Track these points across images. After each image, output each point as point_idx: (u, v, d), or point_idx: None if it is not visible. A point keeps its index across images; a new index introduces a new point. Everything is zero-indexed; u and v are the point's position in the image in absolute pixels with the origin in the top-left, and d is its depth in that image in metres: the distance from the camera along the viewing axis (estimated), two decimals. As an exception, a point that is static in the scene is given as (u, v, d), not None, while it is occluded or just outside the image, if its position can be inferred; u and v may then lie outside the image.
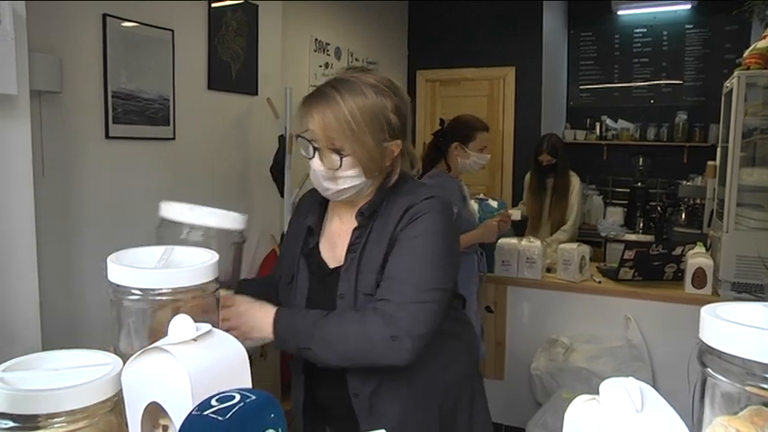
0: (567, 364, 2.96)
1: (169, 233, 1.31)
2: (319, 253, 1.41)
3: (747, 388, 0.61)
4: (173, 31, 2.84)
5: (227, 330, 1.22)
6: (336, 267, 1.36)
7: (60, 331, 2.25)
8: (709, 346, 0.66)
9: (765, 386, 0.59)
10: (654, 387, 2.18)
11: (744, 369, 0.61)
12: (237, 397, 0.69)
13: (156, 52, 2.77)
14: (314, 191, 1.45)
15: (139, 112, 2.68)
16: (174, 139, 2.89)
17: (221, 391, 0.81)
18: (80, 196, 2.47)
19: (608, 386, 0.76)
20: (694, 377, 2.13)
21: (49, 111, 2.27)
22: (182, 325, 0.85)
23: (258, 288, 1.43)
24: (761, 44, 3.23)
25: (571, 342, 3.05)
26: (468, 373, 1.49)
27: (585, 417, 0.75)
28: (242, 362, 0.88)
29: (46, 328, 1.89)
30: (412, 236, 1.29)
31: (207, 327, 0.87)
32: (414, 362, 1.26)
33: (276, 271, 1.58)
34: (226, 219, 1.26)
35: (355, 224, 1.36)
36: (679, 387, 2.66)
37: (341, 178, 1.30)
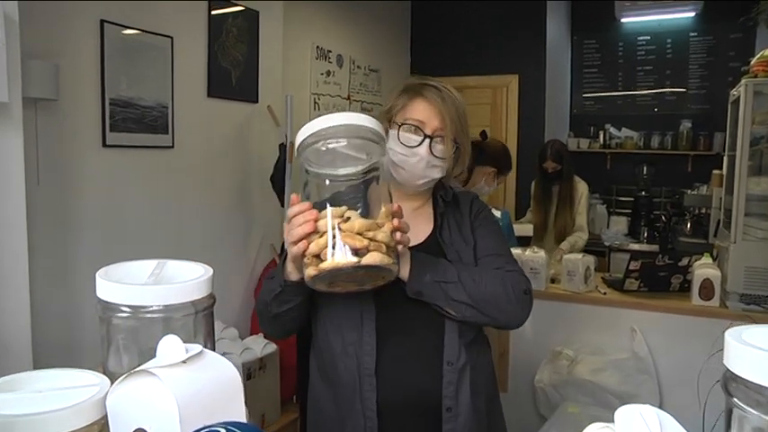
0: (572, 377, 2.90)
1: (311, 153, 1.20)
2: None
3: (778, 421, 0.56)
4: (172, 37, 2.81)
5: (397, 244, 1.17)
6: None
7: (55, 345, 2.20)
8: (735, 374, 0.61)
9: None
10: (660, 400, 2.12)
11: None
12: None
13: (155, 59, 2.73)
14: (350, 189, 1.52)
15: (137, 120, 2.64)
16: (172, 147, 2.85)
17: (212, 415, 0.77)
18: (77, 205, 2.43)
19: (623, 414, 0.72)
20: (704, 392, 2.08)
21: (45, 118, 2.23)
22: (170, 346, 0.81)
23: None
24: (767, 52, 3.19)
25: (576, 354, 2.99)
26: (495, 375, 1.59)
27: (601, 449, 0.71)
28: (234, 385, 0.84)
29: (40, 342, 1.85)
30: (491, 222, 1.51)
31: (197, 348, 0.83)
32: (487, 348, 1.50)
33: None
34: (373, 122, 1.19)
35: (413, 213, 1.47)
36: (687, 401, 2.62)
37: (439, 167, 1.41)
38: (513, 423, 3.00)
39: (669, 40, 5.65)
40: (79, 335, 2.36)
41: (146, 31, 2.68)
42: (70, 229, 2.40)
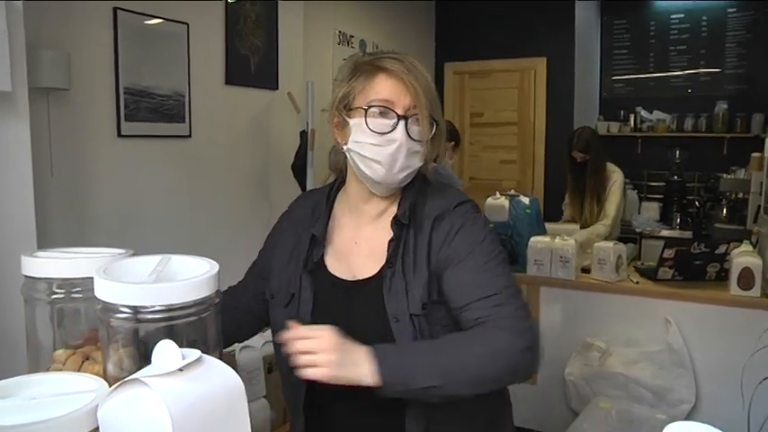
0: (603, 370, 2.81)
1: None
2: (325, 266, 1.25)
3: None
4: (188, 24, 2.75)
5: (313, 366, 1.04)
6: (360, 280, 1.21)
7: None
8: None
9: None
10: (697, 395, 1.99)
11: None
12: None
13: (171, 47, 2.69)
14: (308, 198, 1.37)
15: (153, 110, 2.60)
16: (190, 136, 2.81)
17: (210, 428, 0.74)
18: (91, 197, 2.40)
19: (671, 433, 0.64)
20: (748, 389, 1.97)
21: (58, 109, 2.19)
22: (166, 352, 0.75)
23: (246, 307, 1.35)
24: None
25: (607, 346, 2.90)
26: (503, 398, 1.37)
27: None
28: (237, 395, 0.79)
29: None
30: (468, 245, 1.17)
31: (196, 354, 0.77)
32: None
33: (250, 283, 1.38)
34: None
35: (374, 229, 1.24)
36: (727, 397, 2.51)
37: (419, 153, 1.18)
38: (543, 416, 2.95)
39: (704, 18, 5.45)
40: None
41: (161, 18, 2.63)
42: (84, 220, 2.37)
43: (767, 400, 1.93)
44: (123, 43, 2.44)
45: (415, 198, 1.23)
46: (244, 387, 0.79)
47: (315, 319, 1.20)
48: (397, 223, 1.20)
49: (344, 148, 1.20)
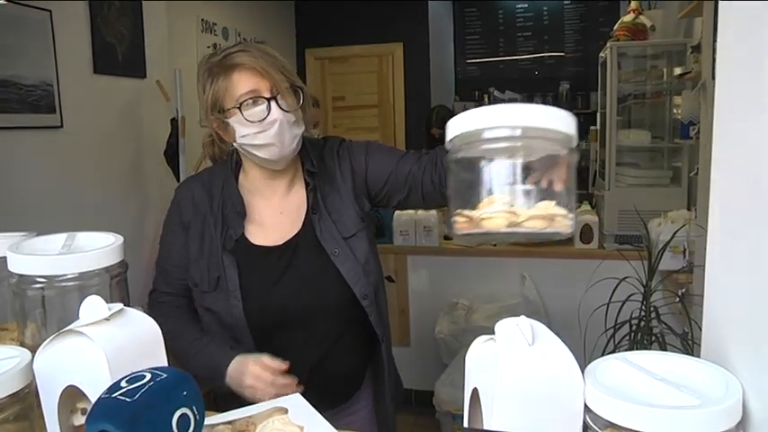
0: (469, 325, 3.07)
1: None
2: (248, 240, 1.36)
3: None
4: (50, 11, 2.69)
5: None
6: (292, 237, 1.35)
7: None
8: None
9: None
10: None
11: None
12: (148, 376, 0.68)
13: (34, 35, 2.61)
14: (196, 182, 1.43)
15: (21, 101, 2.53)
16: (61, 127, 2.76)
17: (138, 367, 0.79)
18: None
19: (502, 325, 0.84)
20: (584, 320, 2.32)
21: None
22: (93, 305, 0.84)
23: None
24: (627, 18, 3.50)
25: (471, 303, 3.18)
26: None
27: (484, 354, 0.83)
28: (156, 339, 0.88)
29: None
30: (365, 152, 1.42)
31: (119, 306, 0.86)
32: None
33: (181, 281, 1.42)
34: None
35: (292, 195, 1.39)
36: (570, 330, 2.83)
37: (297, 121, 1.30)
38: (418, 374, 3.17)
39: (545, 8, 5.94)
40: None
41: (18, 3, 2.54)
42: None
43: (595, 326, 2.27)
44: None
45: (311, 151, 1.40)
46: (160, 330, 0.89)
47: (252, 291, 1.33)
48: (309, 174, 1.38)
49: (235, 145, 1.33)
